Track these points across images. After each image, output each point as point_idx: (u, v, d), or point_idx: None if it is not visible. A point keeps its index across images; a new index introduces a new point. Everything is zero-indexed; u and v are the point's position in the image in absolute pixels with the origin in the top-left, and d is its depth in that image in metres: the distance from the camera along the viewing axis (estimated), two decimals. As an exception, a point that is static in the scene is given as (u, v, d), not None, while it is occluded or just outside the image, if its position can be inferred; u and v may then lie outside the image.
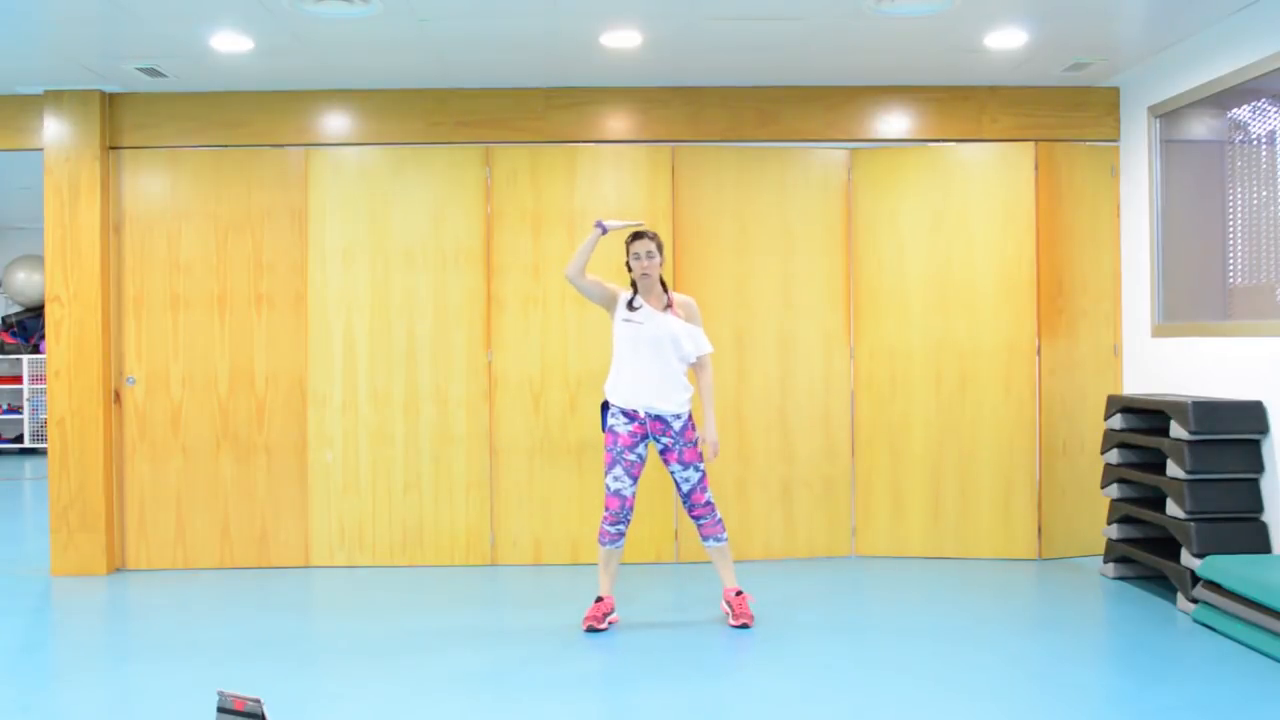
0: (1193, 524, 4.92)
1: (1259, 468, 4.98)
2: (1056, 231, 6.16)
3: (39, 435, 11.93)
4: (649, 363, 4.74)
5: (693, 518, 4.88)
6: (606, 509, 4.76)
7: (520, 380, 6.13)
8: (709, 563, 6.11)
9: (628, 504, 4.76)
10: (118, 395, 6.13)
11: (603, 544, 4.80)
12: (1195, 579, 4.89)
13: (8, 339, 12.08)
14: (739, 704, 3.85)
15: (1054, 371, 6.14)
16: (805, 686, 4.02)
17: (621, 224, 4.84)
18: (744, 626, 4.79)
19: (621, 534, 4.78)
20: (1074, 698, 3.87)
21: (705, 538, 4.88)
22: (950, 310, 6.17)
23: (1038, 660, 4.34)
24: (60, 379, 5.99)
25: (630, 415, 4.75)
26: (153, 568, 6.13)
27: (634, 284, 4.85)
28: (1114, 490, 5.64)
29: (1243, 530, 4.93)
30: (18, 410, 12.06)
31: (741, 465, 6.19)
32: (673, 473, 4.82)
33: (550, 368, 6.14)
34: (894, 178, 6.24)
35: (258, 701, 3.07)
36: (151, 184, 6.17)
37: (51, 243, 6.00)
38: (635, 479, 4.77)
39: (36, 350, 11.88)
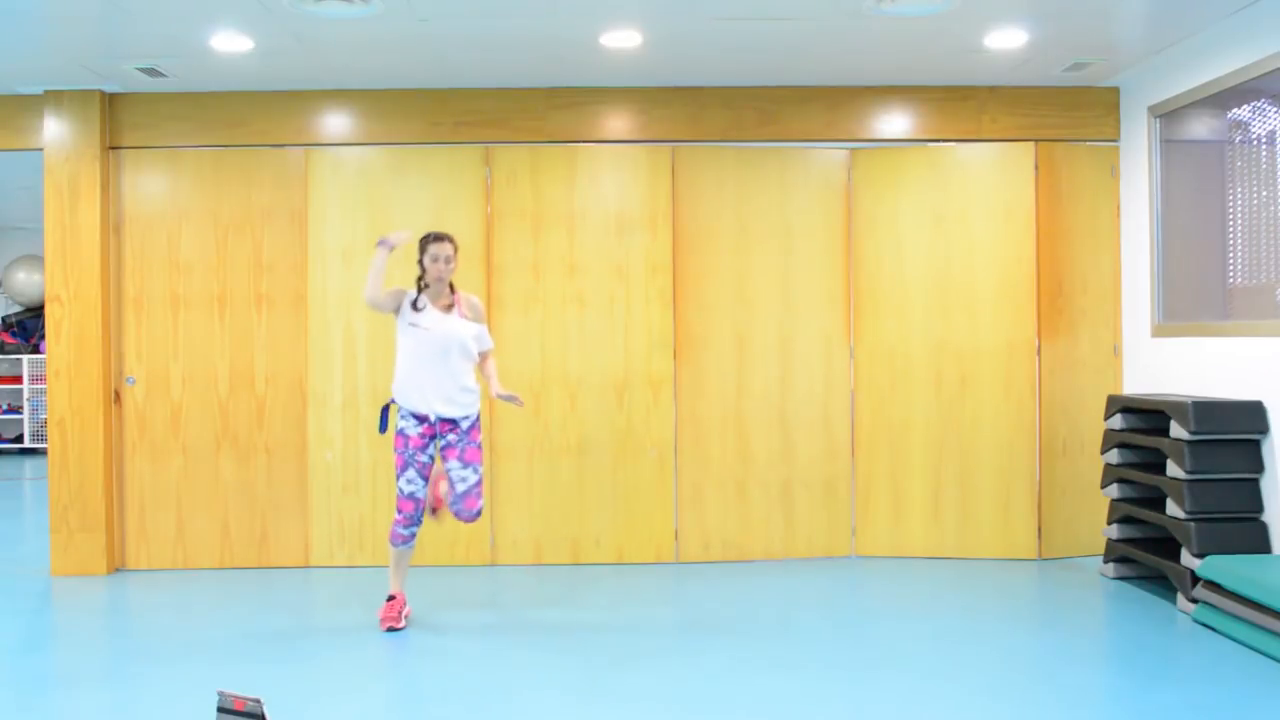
0: (1193, 524, 4.92)
1: (1259, 468, 4.98)
2: (1056, 231, 6.16)
3: (39, 435, 11.92)
4: (436, 368, 4.70)
5: (462, 520, 4.80)
6: (400, 511, 4.76)
7: (520, 380, 6.12)
8: (710, 563, 6.13)
9: (421, 505, 4.78)
10: (118, 395, 6.13)
11: (395, 545, 4.82)
12: (1195, 579, 4.89)
13: (8, 339, 12.07)
14: (739, 704, 3.85)
15: (1054, 371, 6.14)
16: (805, 686, 4.02)
17: (407, 235, 4.82)
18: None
19: (414, 535, 4.81)
20: (1074, 697, 3.87)
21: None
22: (950, 310, 6.17)
23: (1038, 660, 4.34)
24: (60, 379, 5.99)
25: (420, 418, 4.74)
26: (153, 568, 6.13)
27: (419, 284, 4.78)
28: (1114, 490, 5.64)
29: (1243, 530, 4.93)
30: (18, 410, 12.06)
31: (741, 465, 6.19)
32: (450, 470, 4.76)
33: (550, 368, 6.14)
34: (894, 178, 6.24)
35: (258, 701, 3.08)
36: (151, 184, 6.17)
37: (51, 243, 6.00)
38: (427, 480, 4.78)
39: (36, 350, 11.88)
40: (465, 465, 4.75)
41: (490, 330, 6.09)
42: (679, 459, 6.16)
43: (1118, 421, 5.61)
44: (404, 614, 4.85)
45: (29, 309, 12.26)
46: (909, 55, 5.63)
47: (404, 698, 3.96)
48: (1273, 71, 4.89)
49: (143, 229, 6.15)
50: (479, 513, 4.79)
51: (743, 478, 6.19)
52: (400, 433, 4.76)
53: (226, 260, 6.15)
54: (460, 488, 4.75)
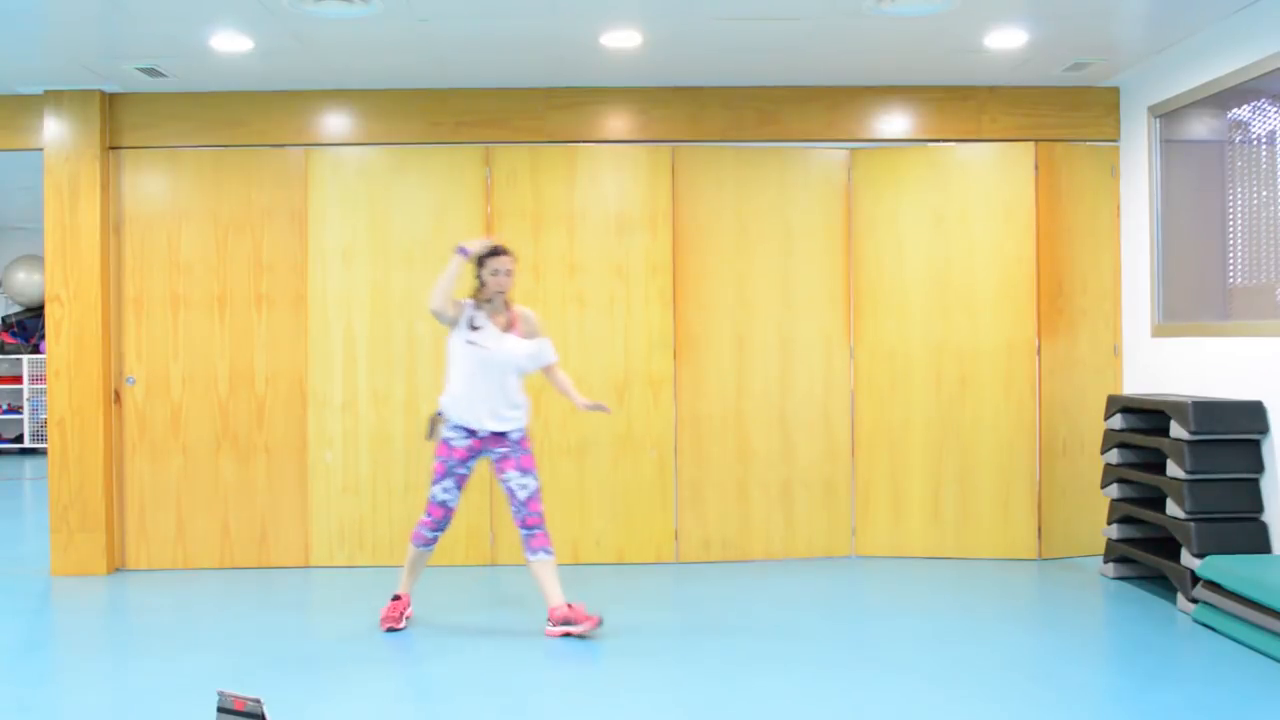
0: (1193, 524, 4.92)
1: (1259, 468, 4.98)
2: (1056, 231, 6.16)
3: (39, 435, 11.92)
4: (489, 385, 4.68)
5: (525, 528, 4.71)
6: (429, 515, 4.76)
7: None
8: (710, 563, 6.13)
9: (451, 514, 4.79)
10: (118, 395, 6.13)
11: (415, 545, 4.82)
12: (1195, 579, 4.89)
13: (8, 339, 12.08)
14: (739, 704, 3.85)
15: (1054, 371, 6.14)
16: (805, 686, 4.02)
17: (483, 245, 4.74)
18: (598, 624, 4.65)
19: (437, 539, 4.80)
20: (1074, 697, 3.87)
21: (535, 550, 4.71)
22: (950, 310, 6.17)
23: (1038, 660, 4.34)
24: (60, 379, 5.99)
25: (469, 431, 4.72)
26: (153, 568, 6.13)
27: (476, 296, 4.75)
28: (1114, 490, 5.64)
29: (1243, 530, 4.93)
30: (18, 410, 12.06)
31: (741, 465, 6.19)
32: (508, 481, 4.73)
33: (550, 368, 6.13)
34: (894, 178, 6.24)
35: (258, 701, 3.07)
36: (151, 184, 6.17)
37: (51, 243, 6.00)
38: (461, 490, 4.78)
39: (36, 350, 11.88)
40: (524, 473, 4.74)
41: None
42: (679, 459, 6.16)
43: (1118, 421, 5.61)
44: (405, 615, 4.85)
45: (29, 309, 12.26)
46: (909, 55, 5.63)
47: (404, 698, 3.96)
48: (1273, 71, 4.89)
49: (143, 229, 6.15)
50: (542, 515, 4.75)
51: (743, 478, 6.19)
52: (446, 442, 4.74)
53: (226, 260, 6.15)
54: (522, 495, 4.72)
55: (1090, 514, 6.09)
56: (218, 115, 6.14)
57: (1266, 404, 4.97)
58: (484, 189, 6.16)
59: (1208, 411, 4.96)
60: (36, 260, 11.84)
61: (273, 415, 6.15)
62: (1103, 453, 5.74)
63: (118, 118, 6.11)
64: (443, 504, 4.76)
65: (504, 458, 4.74)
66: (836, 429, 6.27)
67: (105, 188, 6.06)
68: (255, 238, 6.16)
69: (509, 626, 4.88)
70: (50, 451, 6.01)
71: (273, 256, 6.15)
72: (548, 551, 4.74)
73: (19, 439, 12.17)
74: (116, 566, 6.12)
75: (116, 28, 5.03)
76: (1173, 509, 5.03)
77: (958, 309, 6.16)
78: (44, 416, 10.95)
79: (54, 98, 6.00)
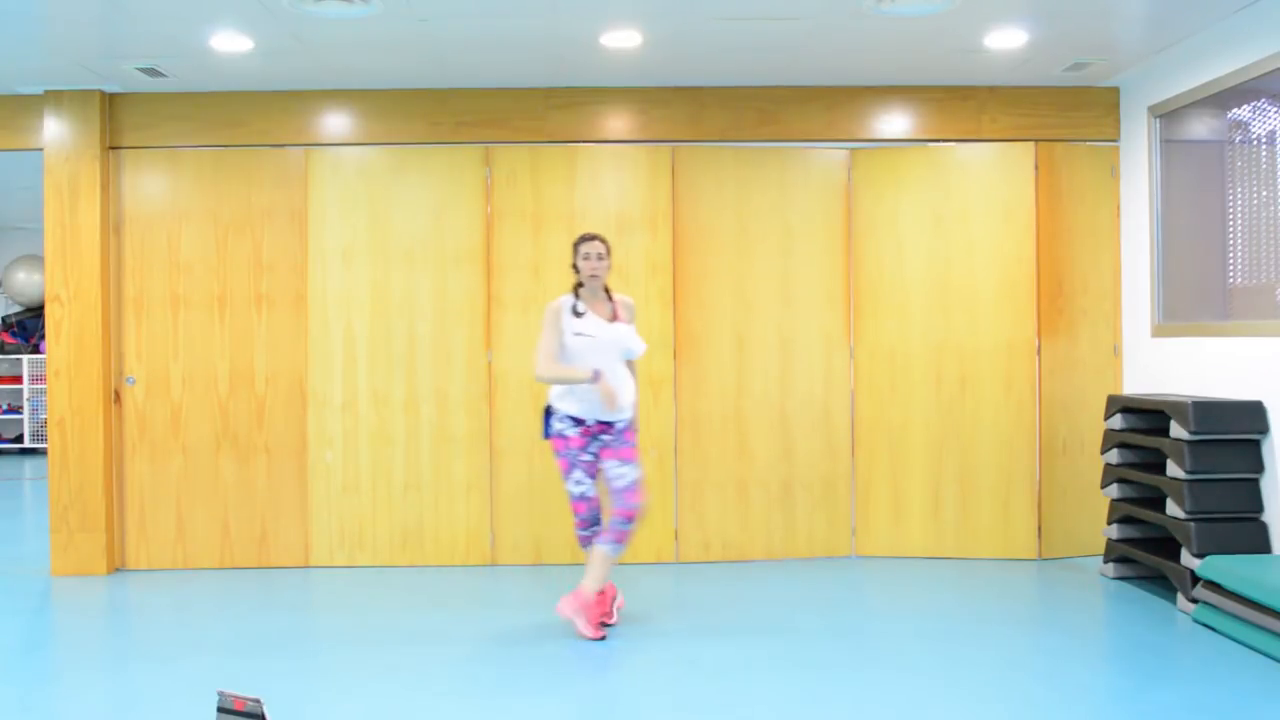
0: (1193, 524, 4.93)
1: (1259, 468, 4.98)
2: (1056, 231, 6.16)
3: (39, 435, 11.92)
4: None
5: (620, 515, 4.65)
6: (576, 514, 4.76)
7: (520, 380, 6.13)
8: (709, 562, 6.13)
9: (594, 504, 4.75)
10: (118, 395, 6.13)
11: (583, 547, 4.84)
12: (1195, 579, 4.89)
13: (8, 339, 12.08)
14: (739, 704, 3.85)
15: (1054, 371, 6.14)
16: (806, 687, 4.02)
17: (606, 388, 4.56)
18: (600, 639, 4.63)
19: (595, 531, 4.76)
20: (1074, 698, 3.87)
21: (606, 539, 4.66)
22: (950, 310, 6.17)
23: (1038, 660, 4.34)
24: (60, 379, 5.99)
25: (576, 420, 4.70)
26: (153, 568, 6.13)
27: (576, 288, 4.76)
28: (1114, 490, 5.64)
29: (1243, 530, 4.93)
30: (18, 410, 12.06)
31: (741, 465, 6.19)
32: (607, 469, 4.72)
33: (550, 368, 6.13)
34: (894, 178, 6.24)
35: (258, 701, 3.08)
36: (151, 184, 6.17)
37: (51, 243, 6.00)
38: (594, 477, 4.75)
39: (36, 350, 11.88)
40: (623, 463, 4.69)
41: (490, 330, 6.12)
42: (679, 459, 6.16)
43: (1118, 421, 5.62)
44: (617, 606, 4.80)
45: (29, 309, 12.26)
46: (909, 55, 5.63)
47: (403, 698, 3.96)
48: (1273, 71, 4.89)
49: (143, 229, 6.15)
50: (639, 507, 4.69)
51: (743, 478, 6.19)
52: (560, 435, 4.72)
53: (226, 260, 6.16)
54: (618, 484, 4.68)
55: (1090, 514, 6.09)
56: (218, 115, 6.14)
57: (1266, 404, 4.97)
58: (484, 189, 6.16)
59: (1208, 411, 4.96)
60: (36, 260, 11.84)
61: (273, 415, 6.15)
62: (1103, 453, 5.75)
63: (118, 118, 6.12)
64: (581, 496, 4.73)
65: (605, 446, 4.72)
66: (836, 429, 6.27)
67: (105, 188, 6.06)
68: (255, 238, 6.16)
69: (507, 627, 4.88)
70: (50, 451, 6.01)
71: (273, 256, 6.15)
72: (615, 547, 4.67)
73: (19, 439, 12.16)
74: (116, 566, 6.12)
75: (116, 28, 5.03)
76: (1173, 509, 5.04)
77: (958, 309, 6.16)
78: (44, 416, 10.96)
79: (54, 98, 6.00)
